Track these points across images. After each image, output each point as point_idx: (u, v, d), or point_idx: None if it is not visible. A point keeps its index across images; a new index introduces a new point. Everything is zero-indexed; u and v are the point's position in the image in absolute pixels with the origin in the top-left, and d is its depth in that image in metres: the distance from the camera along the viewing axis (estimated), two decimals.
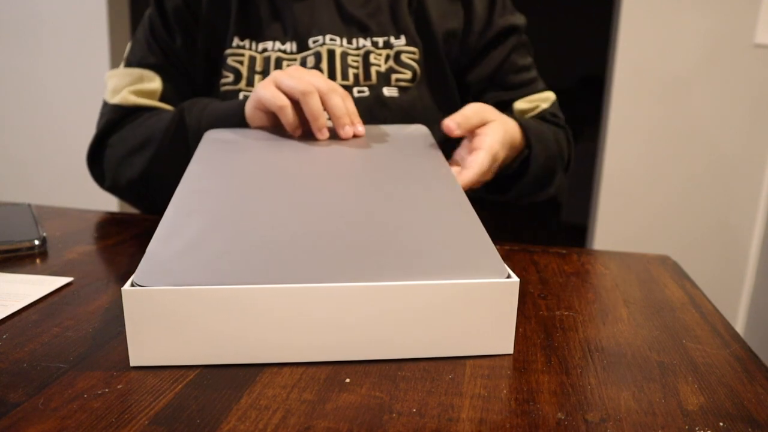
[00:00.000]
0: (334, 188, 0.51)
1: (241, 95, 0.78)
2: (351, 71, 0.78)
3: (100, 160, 0.80)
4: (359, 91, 0.78)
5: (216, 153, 0.59)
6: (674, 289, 0.57)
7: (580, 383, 0.39)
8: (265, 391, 0.37)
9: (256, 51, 0.79)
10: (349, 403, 0.36)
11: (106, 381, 0.37)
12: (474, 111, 0.65)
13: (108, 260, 0.59)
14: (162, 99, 0.80)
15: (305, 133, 0.65)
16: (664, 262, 0.64)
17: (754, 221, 1.82)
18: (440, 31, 0.80)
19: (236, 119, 0.68)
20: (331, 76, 0.77)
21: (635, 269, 0.62)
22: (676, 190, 1.83)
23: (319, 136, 0.63)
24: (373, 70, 0.78)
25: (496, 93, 0.83)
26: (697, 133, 1.79)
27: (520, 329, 0.46)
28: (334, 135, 0.64)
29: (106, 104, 0.80)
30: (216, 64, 0.80)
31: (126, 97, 0.78)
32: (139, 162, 0.75)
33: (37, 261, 0.58)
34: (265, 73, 0.78)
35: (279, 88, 0.63)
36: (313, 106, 0.61)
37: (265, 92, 0.63)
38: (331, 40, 0.78)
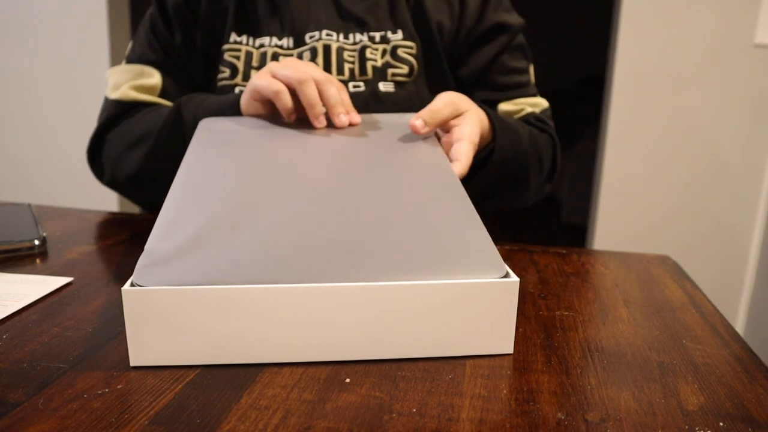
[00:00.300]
0: (333, 184, 0.51)
1: (237, 90, 0.78)
2: (347, 66, 0.78)
3: (100, 156, 0.81)
4: (355, 86, 0.78)
5: (211, 143, 0.58)
6: (674, 289, 0.57)
7: (580, 383, 0.39)
8: (265, 391, 0.37)
9: (252, 46, 0.79)
10: (349, 403, 0.36)
11: (106, 381, 0.37)
12: (445, 102, 0.63)
13: (108, 260, 0.59)
14: (162, 95, 0.80)
15: (300, 121, 0.65)
16: (664, 262, 0.64)
17: (754, 221, 1.82)
18: (436, 26, 0.80)
19: (232, 112, 0.68)
20: (327, 71, 0.77)
21: (635, 269, 0.62)
22: (676, 190, 1.83)
23: (316, 124, 0.63)
24: (369, 65, 0.78)
25: (483, 92, 0.82)
26: (697, 133, 1.79)
27: (520, 329, 0.46)
28: (331, 124, 0.64)
29: (106, 100, 0.81)
30: (214, 61, 0.81)
31: (126, 92, 0.78)
32: (137, 157, 0.75)
33: (37, 261, 0.58)
34: (261, 68, 0.78)
35: (275, 77, 0.63)
36: (309, 94, 0.61)
37: (261, 81, 0.63)
38: (328, 35, 0.78)
